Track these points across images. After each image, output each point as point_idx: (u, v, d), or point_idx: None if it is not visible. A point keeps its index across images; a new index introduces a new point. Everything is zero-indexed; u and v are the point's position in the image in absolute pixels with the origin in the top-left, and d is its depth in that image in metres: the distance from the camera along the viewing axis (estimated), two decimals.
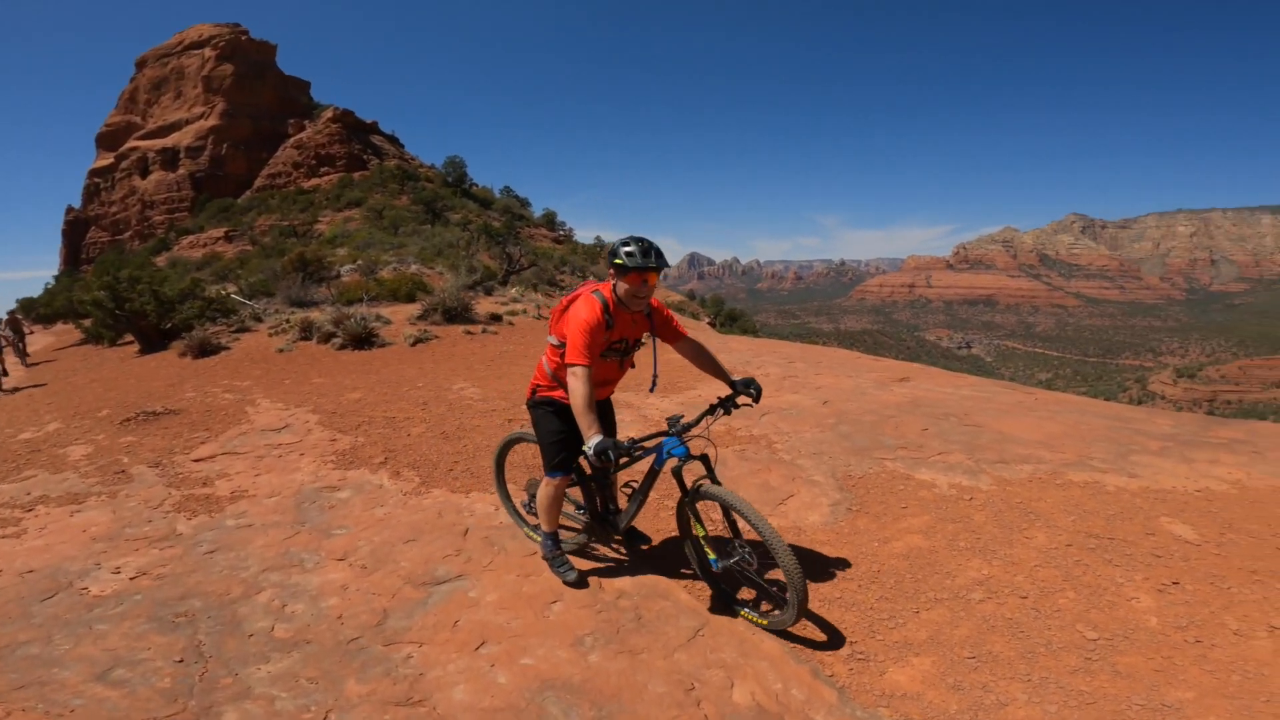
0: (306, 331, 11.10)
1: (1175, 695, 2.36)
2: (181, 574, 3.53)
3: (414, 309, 13.16)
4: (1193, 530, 3.49)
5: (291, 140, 63.92)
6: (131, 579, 3.49)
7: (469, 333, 11.09)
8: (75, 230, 69.98)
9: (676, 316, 3.22)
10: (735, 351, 9.69)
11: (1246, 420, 6.90)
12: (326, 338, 10.61)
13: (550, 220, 58.71)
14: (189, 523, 4.23)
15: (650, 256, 2.79)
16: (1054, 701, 2.39)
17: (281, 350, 10.37)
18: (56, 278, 57.64)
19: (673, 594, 3.20)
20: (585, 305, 2.89)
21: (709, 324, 31.95)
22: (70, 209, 71.54)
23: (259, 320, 13.65)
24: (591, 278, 32.90)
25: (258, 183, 62.02)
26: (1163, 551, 3.29)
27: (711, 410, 3.03)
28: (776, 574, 2.83)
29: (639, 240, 2.83)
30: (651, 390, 3.34)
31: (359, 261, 21.13)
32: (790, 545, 3.20)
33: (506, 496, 4.00)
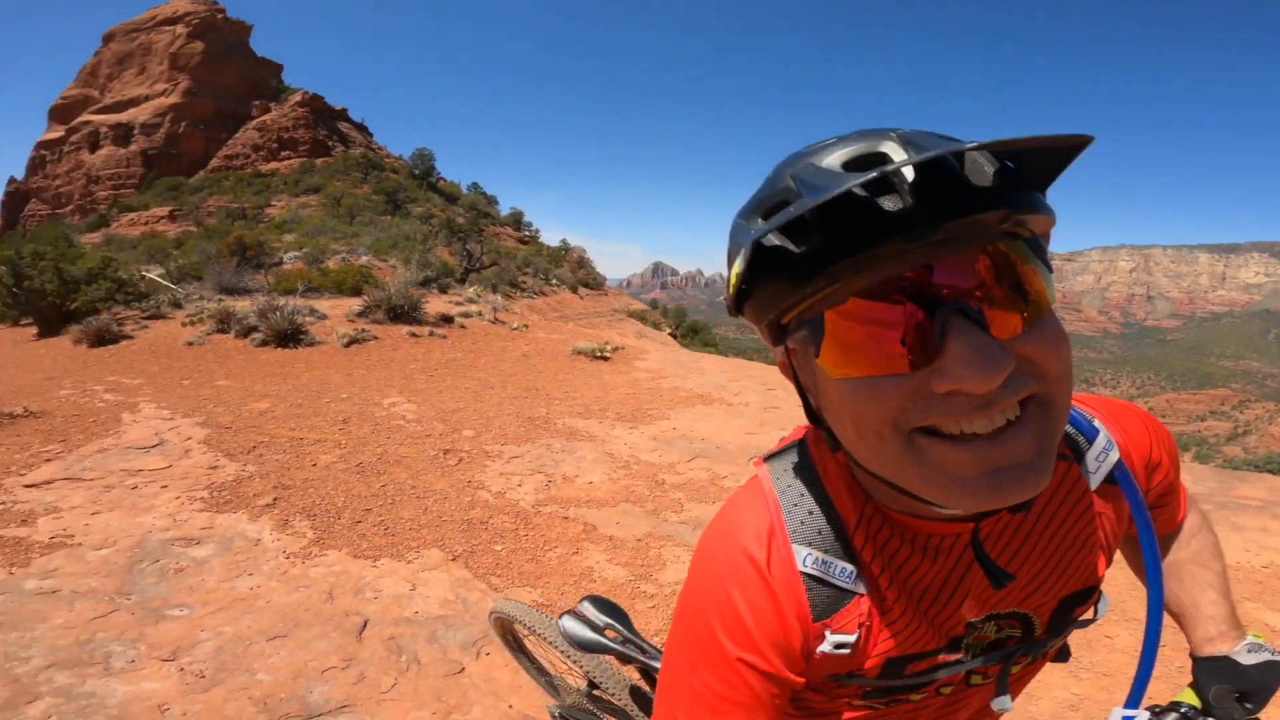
0: (225, 323, 9.77)
1: None
2: None
3: (356, 304, 11.90)
4: None
5: (254, 122, 62.23)
6: None
7: (414, 335, 9.91)
8: (14, 202, 66.76)
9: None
10: (709, 374, 8.80)
11: (1260, 474, 6.39)
12: (246, 332, 9.31)
13: (517, 220, 57.50)
14: None
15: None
16: None
17: (191, 343, 9.05)
18: None
19: None
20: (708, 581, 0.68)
21: (670, 335, 31.23)
22: (12, 180, 67.78)
23: (178, 307, 12.19)
24: (554, 280, 31.99)
25: (214, 163, 60.20)
26: None
27: None
28: None
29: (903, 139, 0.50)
30: None
31: (304, 249, 19.62)
32: None
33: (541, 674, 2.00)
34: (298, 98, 63.51)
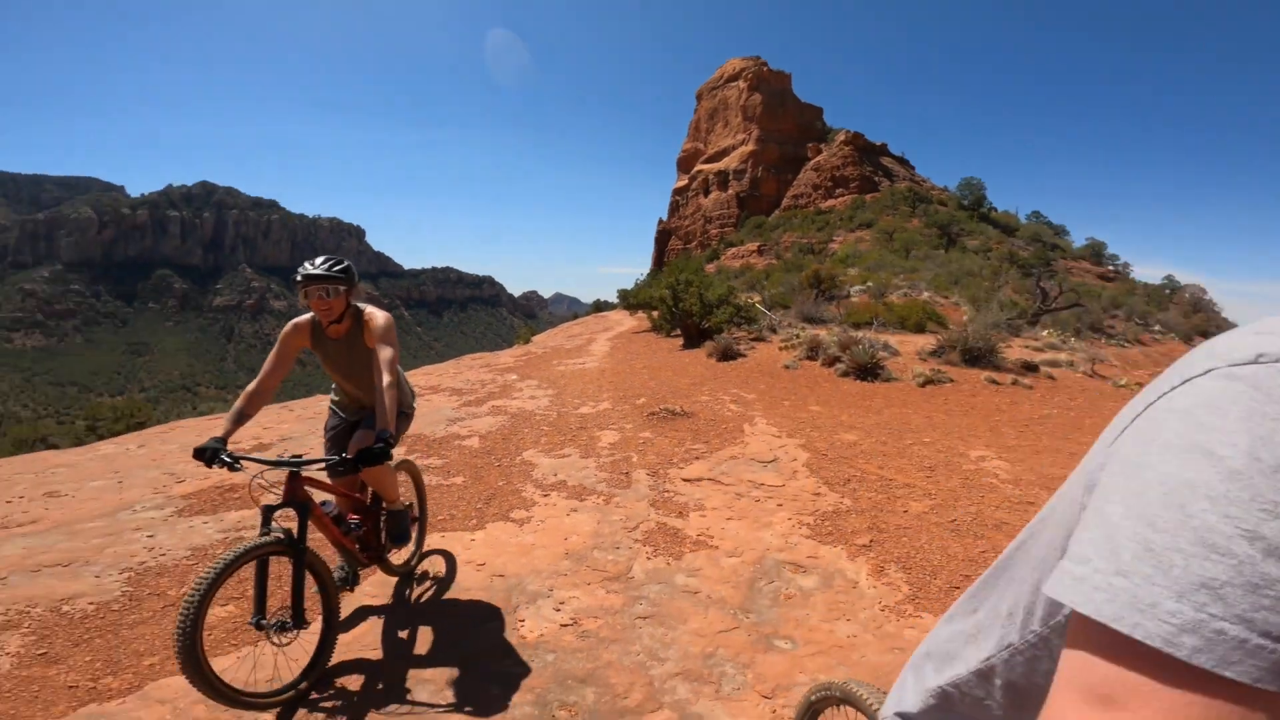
0: (813, 351, 11.06)
1: None
2: (601, 642, 3.02)
3: (924, 341, 11.84)
4: None
5: (810, 163, 69.19)
6: (562, 626, 3.15)
7: (994, 382, 9.19)
8: (662, 238, 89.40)
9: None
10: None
11: None
12: (831, 361, 10.30)
13: (1096, 252, 48.54)
14: (646, 563, 3.84)
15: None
16: None
17: (787, 367, 10.52)
18: (647, 275, 75.01)
19: None
20: None
21: None
22: (660, 220, 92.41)
23: (774, 331, 14.48)
24: (1158, 326, 25.07)
25: (784, 203, 69.05)
26: None
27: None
28: None
29: None
30: None
31: (869, 283, 20.82)
32: None
33: None
34: (842, 137, 67.27)
